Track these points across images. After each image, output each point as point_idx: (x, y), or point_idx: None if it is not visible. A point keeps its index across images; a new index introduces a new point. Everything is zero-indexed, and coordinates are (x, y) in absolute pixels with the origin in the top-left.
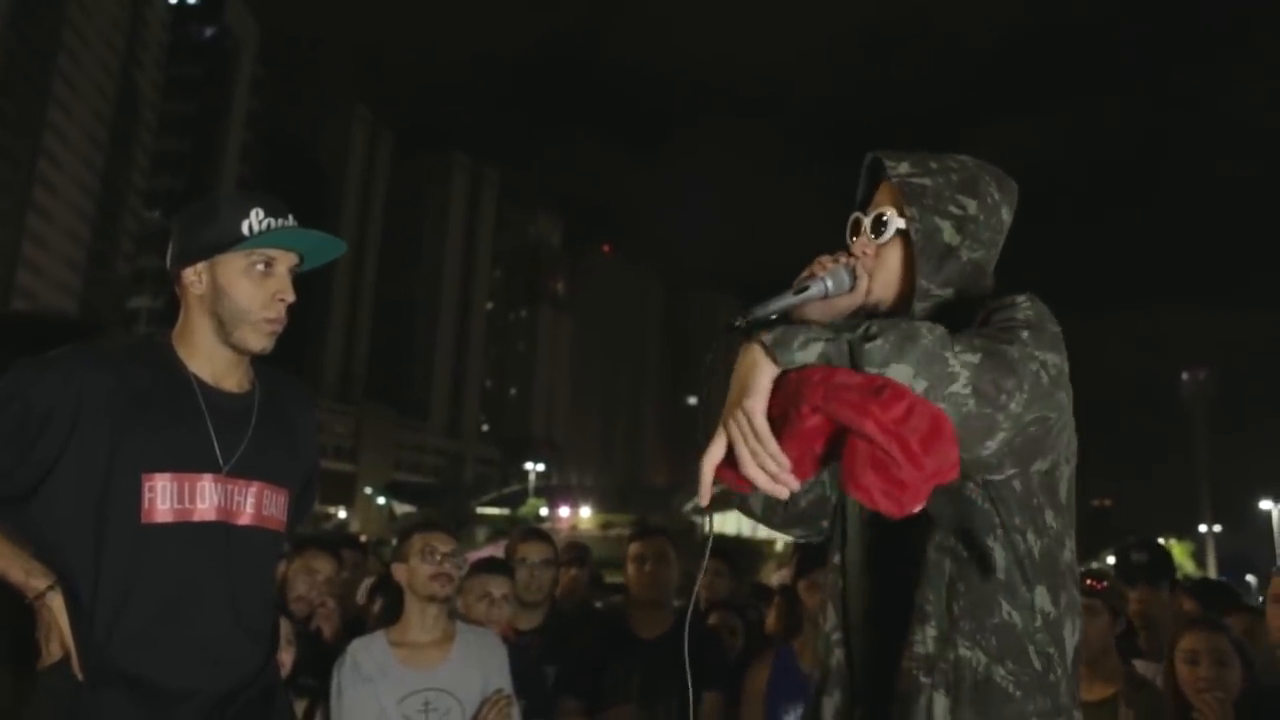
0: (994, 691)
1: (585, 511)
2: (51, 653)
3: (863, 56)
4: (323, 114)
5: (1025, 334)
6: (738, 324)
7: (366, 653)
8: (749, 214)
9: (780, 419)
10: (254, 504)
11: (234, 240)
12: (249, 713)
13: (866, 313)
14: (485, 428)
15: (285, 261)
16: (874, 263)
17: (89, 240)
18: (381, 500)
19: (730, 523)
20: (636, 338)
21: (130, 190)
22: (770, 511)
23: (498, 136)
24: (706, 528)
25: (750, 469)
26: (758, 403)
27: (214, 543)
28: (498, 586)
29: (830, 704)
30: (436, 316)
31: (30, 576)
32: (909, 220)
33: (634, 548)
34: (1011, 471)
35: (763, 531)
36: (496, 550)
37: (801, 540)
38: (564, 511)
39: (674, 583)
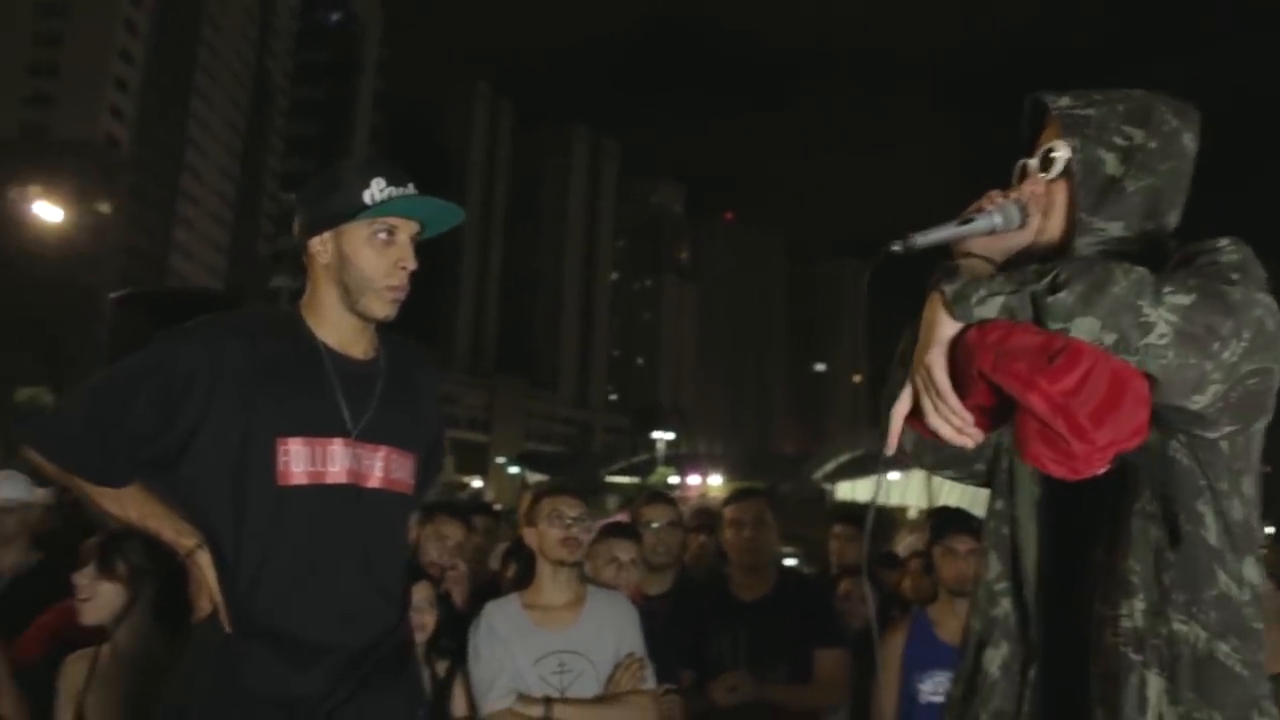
0: (1217, 671)
1: (715, 479)
2: (202, 607)
3: (993, 6)
4: (445, 92)
5: (1236, 276)
6: (895, 248)
7: (501, 615)
8: (873, 177)
9: (961, 374)
10: (382, 467)
11: (356, 209)
12: (383, 668)
13: (1037, 254)
14: (613, 397)
15: (407, 229)
16: (1045, 200)
17: (231, 223)
18: (514, 470)
19: (863, 489)
20: (761, 305)
21: (267, 174)
22: (922, 450)
23: (617, 107)
24: (836, 495)
25: (934, 420)
26: (937, 357)
27: (345, 504)
28: (625, 550)
29: (996, 656)
30: (562, 288)
31: (180, 535)
32: (1073, 152)
33: (730, 511)
34: (1229, 429)
35: (895, 498)
36: (625, 518)
37: (953, 480)
38: (693, 479)
39: (774, 544)
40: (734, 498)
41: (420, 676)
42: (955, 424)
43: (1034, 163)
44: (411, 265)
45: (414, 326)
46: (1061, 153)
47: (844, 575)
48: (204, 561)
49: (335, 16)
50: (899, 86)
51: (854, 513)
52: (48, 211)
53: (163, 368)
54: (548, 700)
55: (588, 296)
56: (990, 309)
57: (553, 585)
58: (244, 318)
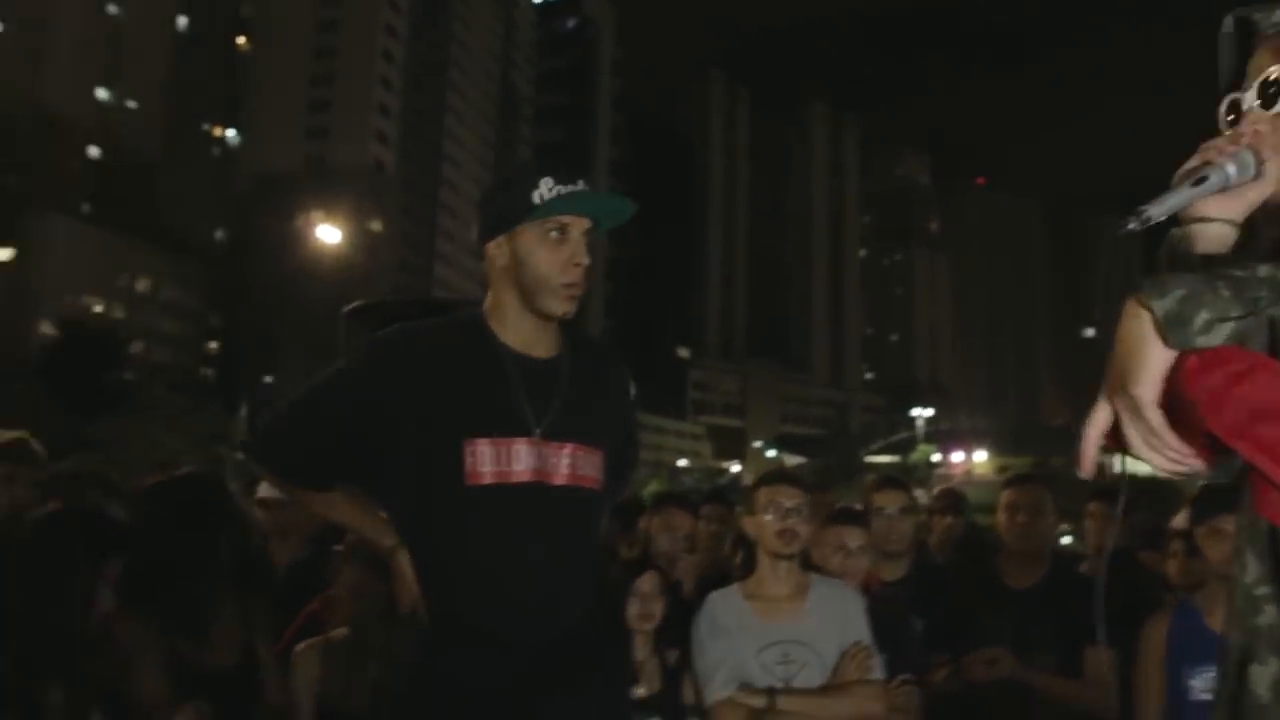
0: None
1: (980, 455)
2: (405, 604)
3: None
4: (681, 85)
5: None
6: (1131, 227)
7: (724, 605)
8: (1132, 126)
9: (1175, 405)
10: (568, 464)
11: (526, 211)
12: (578, 661)
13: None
14: (869, 376)
15: (578, 227)
16: (1276, 139)
17: None
18: (772, 453)
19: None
20: (1020, 271)
21: None
22: None
23: (853, 81)
24: (1115, 468)
25: (1144, 452)
26: (1146, 391)
27: (533, 502)
28: (853, 538)
29: (1264, 674)
30: (810, 268)
31: (380, 536)
32: None
33: (1006, 495)
34: None
35: None
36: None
37: (1203, 480)
38: (957, 457)
39: (1051, 532)
40: (1013, 482)
41: (623, 670)
42: (1171, 458)
43: (1249, 96)
44: (584, 261)
45: (663, 316)
46: None
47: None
48: (403, 561)
49: (571, 22)
50: (1153, 25)
51: (1113, 488)
52: (328, 234)
53: (358, 376)
54: (771, 691)
55: (836, 275)
56: (1216, 338)
57: (773, 576)
58: (430, 325)
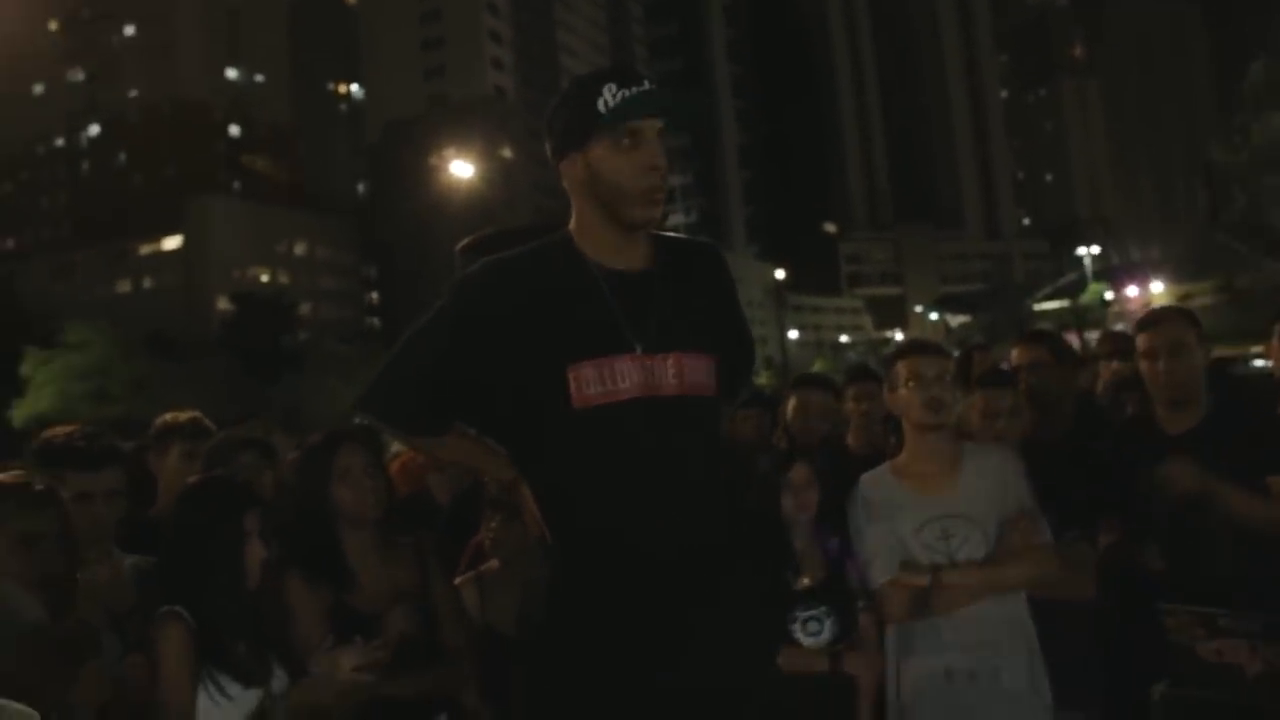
0: None
1: (1157, 286)
2: (533, 530)
3: None
4: None
5: None
6: None
7: (875, 487)
8: None
9: None
10: (675, 374)
11: (593, 121)
12: (716, 571)
13: None
14: (1026, 221)
15: (650, 129)
16: None
17: None
18: (934, 316)
19: None
20: (1180, 77)
21: None
22: None
23: None
24: None
25: None
26: None
27: (645, 416)
28: (1003, 399)
29: None
30: (950, 119)
31: (500, 469)
32: None
33: (1141, 340)
34: None
35: None
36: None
37: None
38: (1132, 291)
39: (1199, 371)
40: (1145, 323)
41: (766, 571)
42: None
43: None
44: (661, 164)
45: (805, 194)
46: None
47: None
48: (525, 492)
49: None
50: None
51: None
52: (461, 168)
53: (450, 317)
54: (935, 568)
55: (979, 122)
56: None
57: (923, 450)
58: (518, 254)
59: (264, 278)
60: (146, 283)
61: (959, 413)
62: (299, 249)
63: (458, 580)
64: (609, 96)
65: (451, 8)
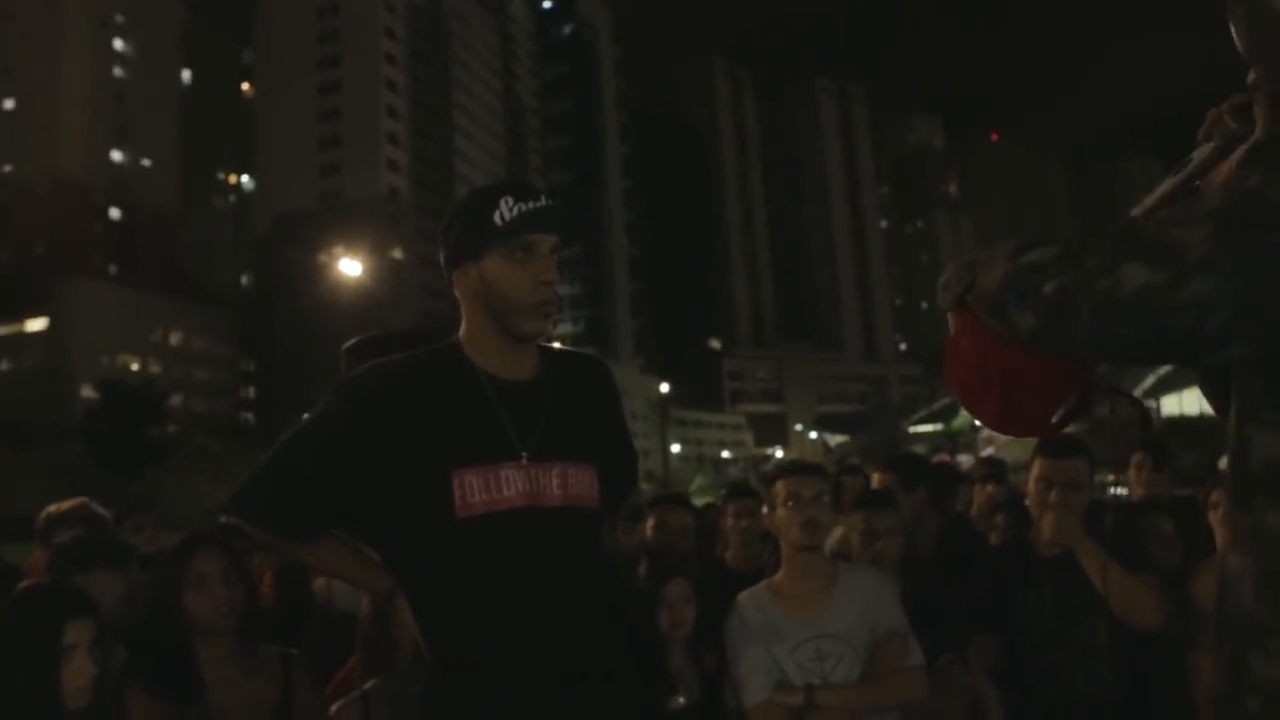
0: None
1: None
2: (404, 648)
3: None
4: (683, 75)
5: None
6: None
7: (752, 606)
8: (1142, 63)
9: None
10: (560, 484)
11: (488, 233)
12: (592, 689)
13: None
14: (903, 346)
15: (545, 243)
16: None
17: None
18: (813, 435)
19: (1191, 401)
20: (1044, 223)
21: None
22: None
23: (853, 51)
24: (1162, 410)
25: None
26: None
27: (527, 527)
28: (882, 520)
29: None
30: (832, 245)
31: (374, 580)
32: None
33: (1040, 465)
34: None
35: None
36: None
37: None
38: None
39: (1083, 507)
40: (1050, 451)
41: (639, 692)
42: None
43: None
44: (553, 278)
45: (691, 310)
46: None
47: (1139, 510)
48: (399, 603)
49: (567, 29)
50: None
51: (1158, 439)
52: (350, 266)
53: (333, 419)
54: (809, 687)
55: (860, 249)
56: None
57: (799, 570)
58: (404, 358)
59: (134, 366)
60: (3, 365)
61: (839, 533)
62: (174, 338)
63: (336, 706)
64: (505, 209)
65: (351, 107)
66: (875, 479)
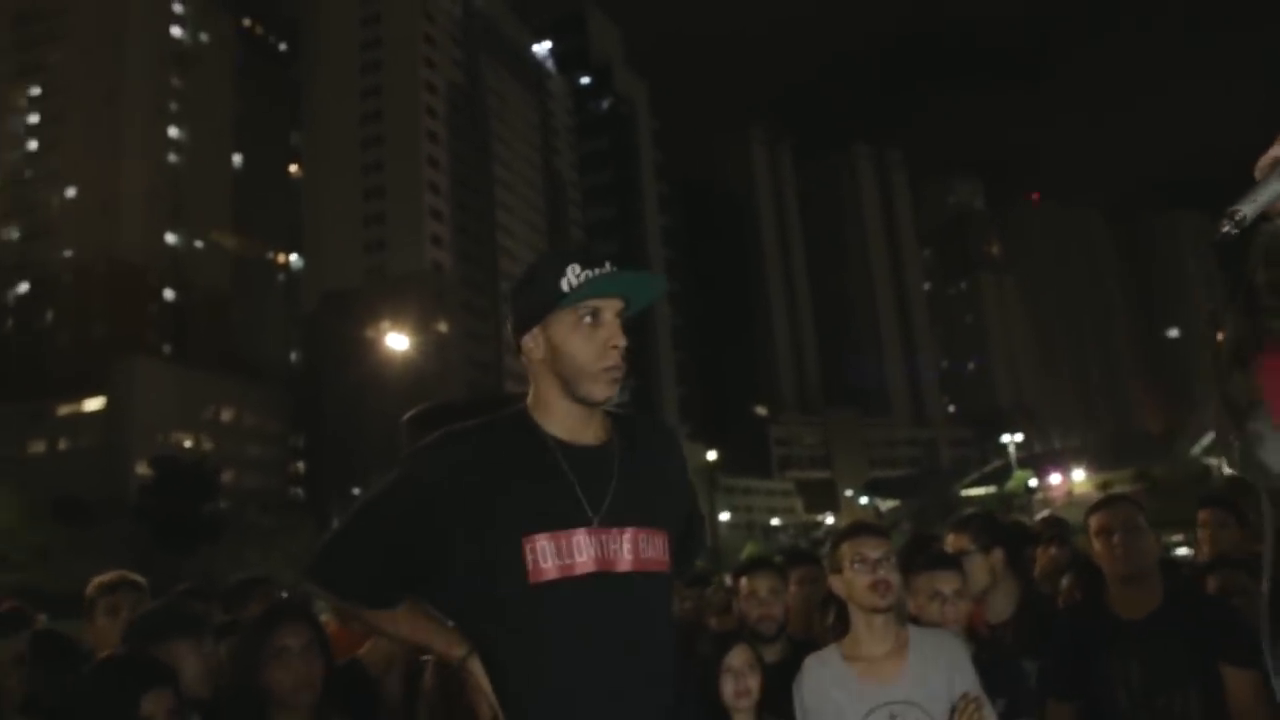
0: None
1: (1078, 474)
2: (483, 715)
3: None
4: (721, 144)
5: None
6: (1226, 230)
7: (824, 670)
8: (1180, 112)
9: None
10: (631, 549)
11: (556, 299)
12: None
13: None
14: (951, 409)
15: (611, 308)
16: None
17: None
18: (864, 500)
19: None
20: (1090, 279)
21: None
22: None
23: (891, 116)
24: (1224, 469)
25: None
26: None
27: (600, 593)
28: (948, 582)
29: None
30: (876, 309)
31: (450, 646)
32: None
33: (1095, 520)
34: None
35: None
36: None
37: None
38: (1054, 479)
39: (1153, 550)
40: (1098, 505)
41: None
42: None
43: None
44: (620, 343)
45: (736, 377)
46: None
47: (1213, 569)
48: (476, 669)
49: (605, 103)
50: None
51: (1224, 495)
52: (396, 341)
53: (407, 486)
54: None
55: (904, 312)
56: None
57: (870, 633)
58: (475, 426)
59: (187, 443)
60: (62, 444)
61: (906, 596)
62: (226, 415)
63: None
64: (572, 276)
65: (394, 185)
66: (949, 540)
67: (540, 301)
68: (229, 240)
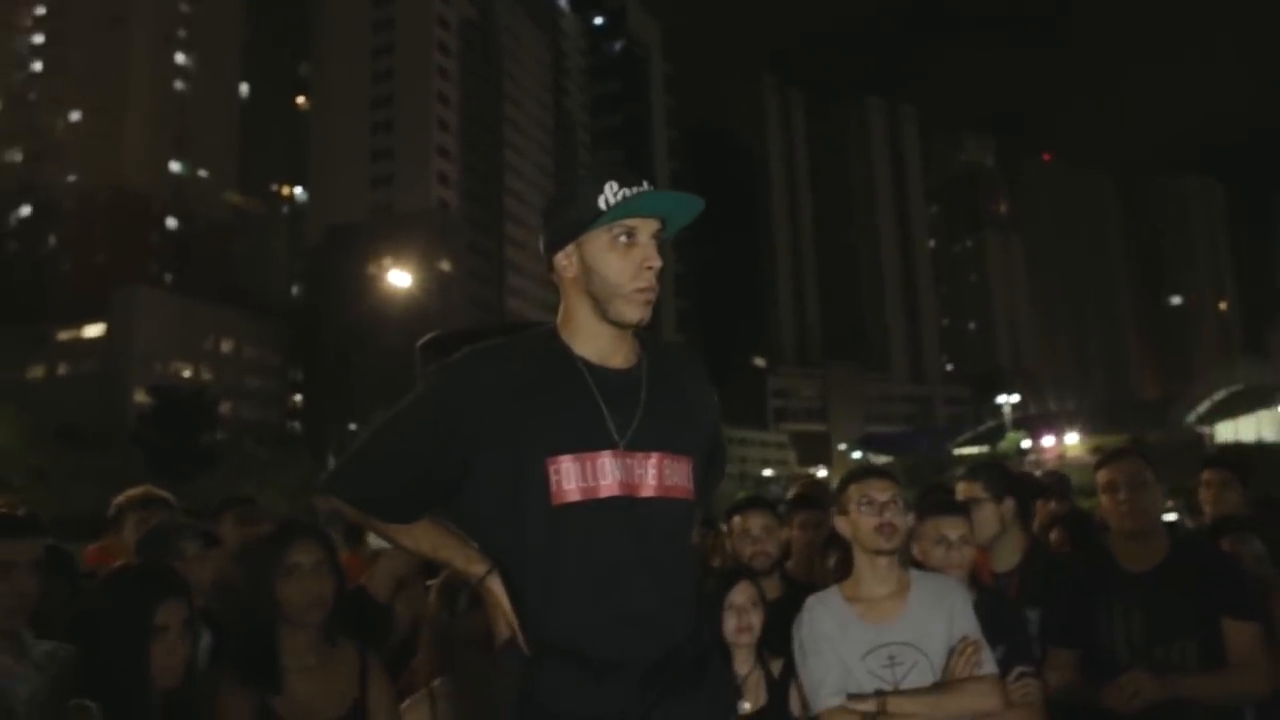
0: None
1: (1071, 438)
2: (501, 631)
3: None
4: (733, 94)
5: None
6: None
7: (824, 610)
8: (1192, 78)
9: None
10: (655, 475)
11: (593, 217)
12: (684, 678)
13: None
14: (950, 367)
15: (647, 229)
16: None
17: None
18: (857, 455)
19: (1247, 428)
20: (1096, 243)
21: None
22: None
23: (905, 70)
24: (1215, 437)
25: None
26: None
27: (622, 516)
28: (953, 528)
29: None
30: (880, 264)
31: (471, 563)
32: None
33: (1102, 475)
34: None
35: None
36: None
37: None
38: (1047, 441)
39: (1159, 505)
40: (1106, 459)
41: (728, 683)
42: None
43: None
44: (656, 264)
45: (736, 327)
46: None
47: (1223, 531)
48: (496, 587)
49: (618, 45)
50: None
51: (1228, 456)
52: (399, 278)
53: (432, 403)
54: (880, 694)
55: (908, 268)
56: None
57: (872, 575)
58: (503, 344)
59: (186, 373)
60: (62, 369)
61: (911, 541)
62: (225, 346)
63: (405, 704)
64: (610, 194)
65: (403, 120)
66: (961, 488)
67: (576, 219)
68: (233, 170)
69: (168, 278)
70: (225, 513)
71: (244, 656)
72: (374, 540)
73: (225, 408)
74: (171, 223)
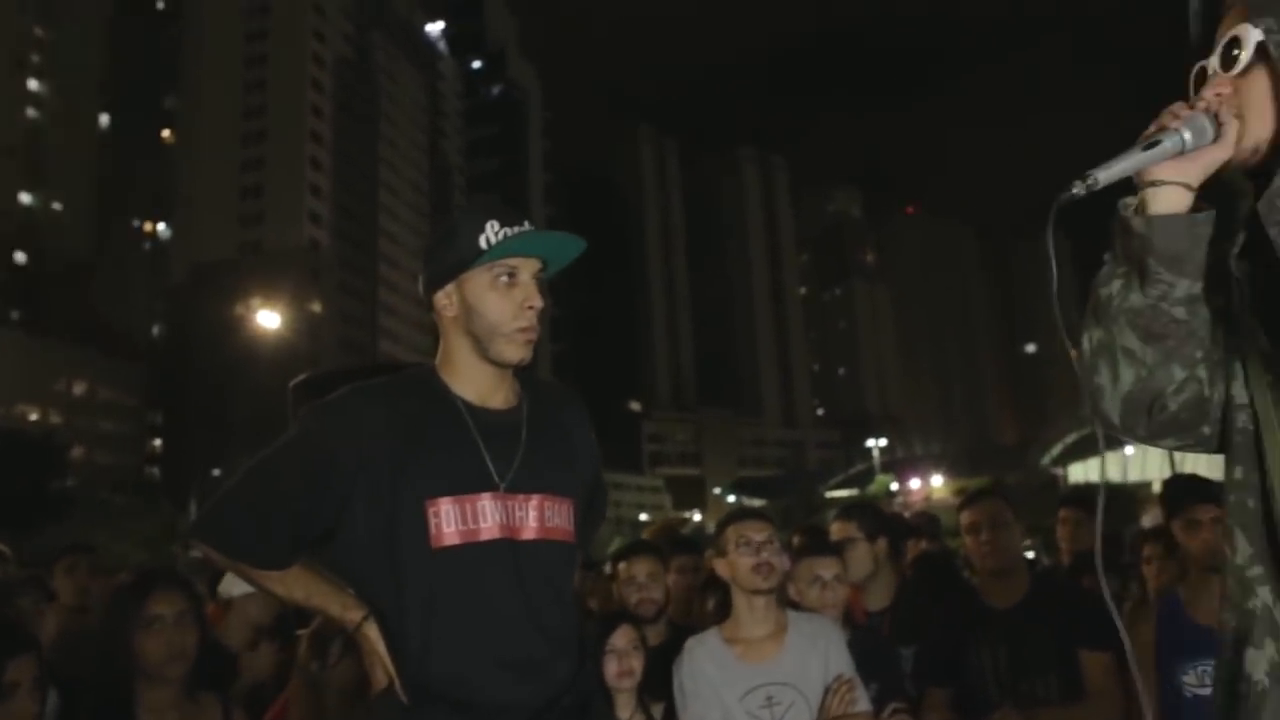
0: None
1: (936, 480)
2: (378, 679)
3: None
4: (609, 139)
5: None
6: (1076, 191)
7: (703, 651)
8: (1056, 138)
9: None
10: (536, 517)
11: (474, 256)
12: None
13: (1245, 168)
14: (820, 412)
15: (528, 269)
16: (1237, 100)
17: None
18: (731, 498)
19: (1097, 470)
20: (958, 293)
21: None
22: (1132, 419)
23: (777, 122)
24: (1069, 479)
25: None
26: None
27: (502, 560)
28: (827, 568)
29: (1261, 658)
30: (753, 310)
31: (346, 609)
32: (1267, 34)
33: (965, 516)
34: None
35: (1135, 474)
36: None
37: (1177, 449)
38: (914, 484)
39: (1018, 544)
40: (969, 501)
41: None
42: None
43: (1214, 61)
44: (537, 304)
45: (612, 371)
46: (1251, 36)
47: (1082, 568)
48: (372, 633)
49: (496, 90)
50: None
51: (1081, 496)
52: (268, 318)
53: (307, 443)
54: None
55: (780, 315)
56: None
57: (750, 616)
58: (382, 383)
59: (33, 416)
60: None
61: (786, 582)
62: (78, 388)
63: None
64: (491, 233)
65: (275, 158)
66: (835, 528)
67: (457, 258)
68: (91, 204)
69: (14, 315)
70: (57, 563)
71: (98, 716)
72: (224, 587)
73: (77, 452)
74: (20, 257)
